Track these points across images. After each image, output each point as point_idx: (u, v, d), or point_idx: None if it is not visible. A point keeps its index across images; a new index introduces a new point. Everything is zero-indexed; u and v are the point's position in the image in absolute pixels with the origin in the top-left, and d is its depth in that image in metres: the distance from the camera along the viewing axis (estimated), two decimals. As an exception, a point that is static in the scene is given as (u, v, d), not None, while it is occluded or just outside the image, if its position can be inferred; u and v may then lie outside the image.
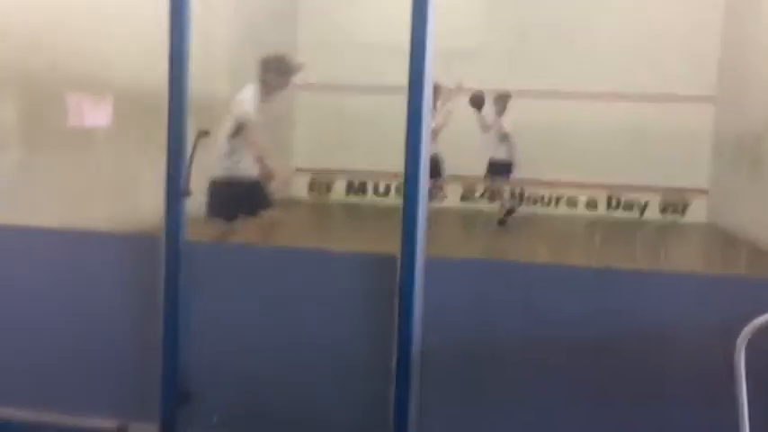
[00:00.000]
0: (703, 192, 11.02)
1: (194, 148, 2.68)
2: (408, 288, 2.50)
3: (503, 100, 9.70)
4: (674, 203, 11.22)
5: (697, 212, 11.08)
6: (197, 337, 2.71)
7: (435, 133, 8.43)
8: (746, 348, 1.72)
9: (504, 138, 9.60)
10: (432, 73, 2.51)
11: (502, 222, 9.85)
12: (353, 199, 11.36)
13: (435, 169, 9.33)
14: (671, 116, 10.58)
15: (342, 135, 10.40)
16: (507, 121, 9.58)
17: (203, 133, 2.78)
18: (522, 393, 2.56)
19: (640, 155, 10.65)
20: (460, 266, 2.65)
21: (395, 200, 10.78)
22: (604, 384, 2.50)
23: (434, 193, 9.71)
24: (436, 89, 9.58)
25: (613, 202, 11.44)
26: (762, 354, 1.79)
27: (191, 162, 2.65)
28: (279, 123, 11.11)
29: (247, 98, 4.81)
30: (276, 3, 10.98)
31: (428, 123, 2.51)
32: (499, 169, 9.76)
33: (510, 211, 10.20)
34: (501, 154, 9.69)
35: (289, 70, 5.03)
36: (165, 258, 2.67)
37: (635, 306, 2.48)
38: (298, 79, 5.09)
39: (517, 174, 10.00)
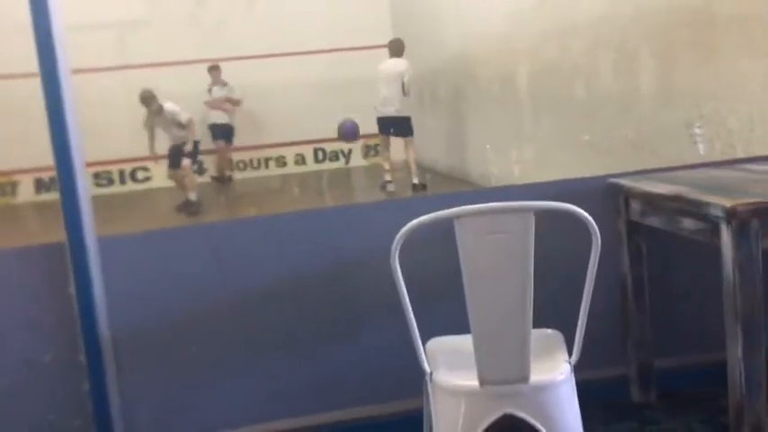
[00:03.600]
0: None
1: None
2: (82, 273, 2.31)
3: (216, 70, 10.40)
4: (376, 147, 11.90)
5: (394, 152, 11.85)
6: None
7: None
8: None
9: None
10: (66, 55, 2.24)
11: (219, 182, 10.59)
12: (47, 196, 10.38)
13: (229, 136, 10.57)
14: (357, 66, 11.13)
15: (16, 128, 9.36)
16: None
17: None
18: (227, 352, 2.52)
19: (337, 107, 11.09)
20: (137, 241, 2.51)
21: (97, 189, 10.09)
22: (308, 323, 2.56)
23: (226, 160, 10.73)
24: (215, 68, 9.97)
25: (320, 155, 11.84)
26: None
27: None
28: None
29: None
30: None
31: (70, 103, 2.26)
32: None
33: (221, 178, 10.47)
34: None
35: None
36: None
37: (320, 242, 2.55)
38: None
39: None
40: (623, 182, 2.65)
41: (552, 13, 6.04)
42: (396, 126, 8.63)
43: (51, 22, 2.15)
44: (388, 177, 8.63)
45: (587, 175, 2.82)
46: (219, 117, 10.49)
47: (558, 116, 6.22)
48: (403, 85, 8.45)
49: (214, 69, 10.44)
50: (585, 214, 1.78)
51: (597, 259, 1.86)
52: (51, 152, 2.26)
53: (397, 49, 8.84)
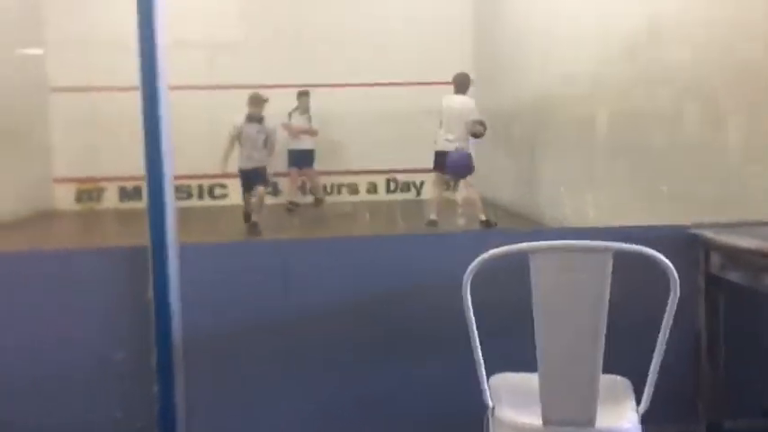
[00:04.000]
0: (470, 168, 11.82)
1: None
2: (162, 277, 2.39)
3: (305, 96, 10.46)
4: (447, 182, 11.94)
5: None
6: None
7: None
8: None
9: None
10: (165, 70, 2.37)
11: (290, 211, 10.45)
12: (128, 205, 10.76)
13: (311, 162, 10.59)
14: (437, 100, 11.24)
15: (107, 139, 9.79)
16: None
17: None
18: (287, 367, 2.56)
19: (412, 138, 11.21)
20: (215, 250, 2.58)
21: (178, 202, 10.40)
22: (369, 345, 2.57)
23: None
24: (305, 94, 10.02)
25: (391, 186, 11.94)
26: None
27: None
28: (35, 130, 10.25)
29: None
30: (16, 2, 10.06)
31: (166, 117, 2.37)
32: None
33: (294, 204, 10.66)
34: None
35: None
36: None
37: (390, 267, 2.57)
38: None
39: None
40: (705, 233, 2.59)
41: (641, 59, 5.97)
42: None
43: (156, 39, 2.27)
44: (433, 216, 8.37)
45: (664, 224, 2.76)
46: (301, 143, 10.64)
47: (637, 163, 6.11)
48: (475, 123, 8.26)
49: (303, 95, 10.53)
50: (666, 260, 1.75)
51: (674, 309, 1.82)
52: (143, 162, 2.37)
53: (462, 84, 8.67)
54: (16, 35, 9.94)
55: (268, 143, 8.80)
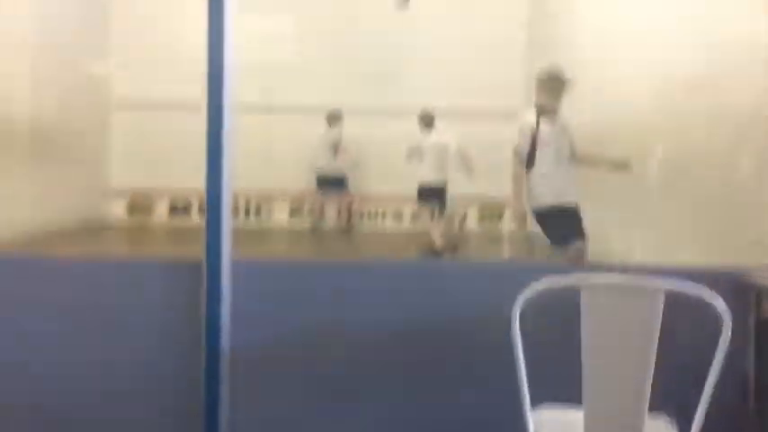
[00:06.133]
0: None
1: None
2: (214, 292, 2.46)
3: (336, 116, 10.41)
4: (491, 213, 11.89)
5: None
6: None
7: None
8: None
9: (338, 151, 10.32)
10: (231, 91, 2.45)
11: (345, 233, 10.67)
12: (177, 221, 10.97)
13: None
14: (486, 129, 11.24)
15: (162, 153, 10.04)
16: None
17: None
18: (334, 390, 2.59)
19: (457, 167, 11.21)
20: (268, 268, 2.64)
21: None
22: (417, 373, 2.59)
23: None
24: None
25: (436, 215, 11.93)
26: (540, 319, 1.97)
27: None
28: (89, 141, 10.55)
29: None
30: (84, 19, 10.43)
31: (228, 135, 2.45)
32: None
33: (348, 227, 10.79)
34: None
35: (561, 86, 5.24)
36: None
37: (438, 294, 2.59)
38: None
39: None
40: (757, 278, 2.55)
41: (702, 98, 5.90)
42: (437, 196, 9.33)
43: (224, 59, 2.36)
44: (438, 244, 8.96)
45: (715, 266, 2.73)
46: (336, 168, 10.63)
47: (689, 203, 6.02)
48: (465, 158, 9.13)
49: (333, 117, 10.47)
50: (720, 301, 1.74)
51: (724, 351, 1.81)
52: (204, 179, 2.44)
53: (431, 121, 9.47)
54: (85, 51, 10.30)
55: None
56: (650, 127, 6.91)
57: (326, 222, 10.78)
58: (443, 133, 9.51)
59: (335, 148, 10.44)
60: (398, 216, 11.89)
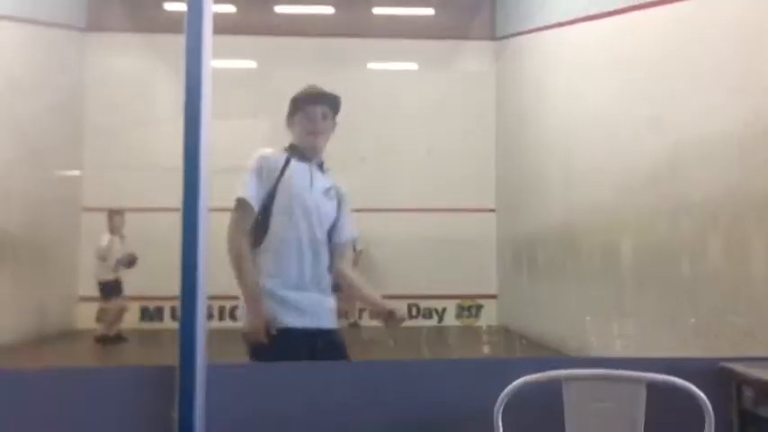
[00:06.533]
0: (493, 296, 11.81)
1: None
2: (188, 398, 2.38)
3: None
4: (469, 308, 11.89)
5: (490, 316, 11.82)
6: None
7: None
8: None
9: None
10: (207, 193, 2.46)
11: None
12: (148, 325, 10.78)
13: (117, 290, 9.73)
14: (460, 227, 11.43)
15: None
16: None
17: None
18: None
19: (435, 265, 11.31)
20: (242, 372, 2.58)
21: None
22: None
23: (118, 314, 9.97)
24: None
25: (413, 311, 11.90)
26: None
27: None
28: (60, 248, 10.46)
29: None
30: (60, 124, 10.58)
31: (204, 239, 2.45)
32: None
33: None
34: None
35: None
36: None
37: (419, 393, 2.54)
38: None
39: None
40: (736, 367, 2.55)
41: (665, 190, 6.07)
42: None
43: (201, 164, 2.39)
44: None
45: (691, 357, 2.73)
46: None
47: (662, 294, 6.08)
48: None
49: None
50: (700, 393, 1.73)
51: (709, 443, 1.78)
52: (180, 282, 2.42)
53: None
54: (57, 158, 10.39)
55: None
56: (617, 220, 7.05)
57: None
58: None
59: None
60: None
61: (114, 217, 9.34)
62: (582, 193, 8.10)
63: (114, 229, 9.31)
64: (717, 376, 2.55)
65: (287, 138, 3.29)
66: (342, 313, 11.37)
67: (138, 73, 10.91)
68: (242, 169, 3.16)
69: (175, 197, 2.45)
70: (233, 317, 11.45)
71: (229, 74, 10.64)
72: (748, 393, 2.48)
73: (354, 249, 11.11)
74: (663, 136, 6.07)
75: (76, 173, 10.85)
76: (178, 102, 2.42)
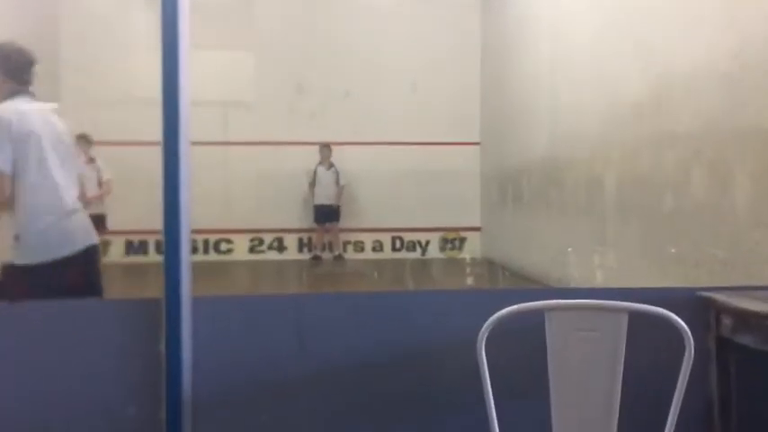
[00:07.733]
0: (477, 229, 11.89)
1: None
2: (174, 331, 2.40)
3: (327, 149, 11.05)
4: (453, 241, 11.99)
5: (474, 248, 11.93)
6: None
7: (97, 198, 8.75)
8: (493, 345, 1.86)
9: None
10: (188, 127, 2.42)
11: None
12: (135, 259, 10.78)
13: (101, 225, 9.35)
14: (444, 160, 11.42)
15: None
16: None
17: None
18: (298, 425, 2.54)
19: (419, 198, 11.34)
20: (228, 304, 2.60)
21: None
22: (381, 404, 2.56)
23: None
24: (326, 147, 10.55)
25: (397, 243, 11.98)
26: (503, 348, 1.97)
27: None
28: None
29: None
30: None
31: (186, 173, 2.42)
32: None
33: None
34: None
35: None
36: None
37: (404, 324, 2.57)
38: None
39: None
40: (715, 296, 2.59)
41: (649, 123, 6.06)
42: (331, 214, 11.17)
43: (180, 97, 2.34)
44: (318, 252, 11.41)
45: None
46: (327, 199, 11.06)
47: (644, 226, 6.14)
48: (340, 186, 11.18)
49: (325, 148, 11.04)
50: (681, 322, 1.76)
51: (688, 372, 1.82)
52: (162, 216, 2.40)
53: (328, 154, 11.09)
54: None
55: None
56: (601, 153, 7.06)
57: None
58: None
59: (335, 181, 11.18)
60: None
61: (79, 141, 9.07)
62: (566, 127, 8.08)
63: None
64: (696, 305, 2.60)
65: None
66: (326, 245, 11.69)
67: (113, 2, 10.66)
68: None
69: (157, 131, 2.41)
70: (217, 250, 11.51)
71: (208, 3, 10.35)
72: (726, 321, 2.53)
73: (338, 183, 11.20)
74: (647, 70, 6.02)
75: (54, 106, 10.63)
76: (156, 32, 2.36)
